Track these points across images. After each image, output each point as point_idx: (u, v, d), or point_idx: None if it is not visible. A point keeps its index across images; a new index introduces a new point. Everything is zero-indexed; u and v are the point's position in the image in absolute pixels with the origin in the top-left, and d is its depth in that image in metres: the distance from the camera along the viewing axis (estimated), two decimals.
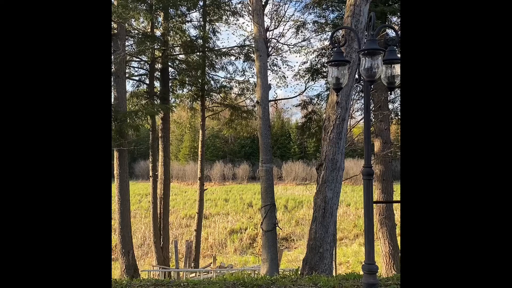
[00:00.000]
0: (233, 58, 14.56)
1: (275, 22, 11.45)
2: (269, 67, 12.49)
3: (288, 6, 14.56)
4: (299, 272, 5.72)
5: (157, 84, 14.31)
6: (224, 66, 14.75)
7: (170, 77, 14.36)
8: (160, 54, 13.79)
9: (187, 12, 13.70)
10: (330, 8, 12.57)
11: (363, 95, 2.75)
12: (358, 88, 10.19)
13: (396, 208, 11.38)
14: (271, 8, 11.75)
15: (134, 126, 11.28)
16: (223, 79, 15.03)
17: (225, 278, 4.67)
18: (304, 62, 13.38)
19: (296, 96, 14.08)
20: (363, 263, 2.55)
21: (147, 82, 14.36)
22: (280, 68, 15.30)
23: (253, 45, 10.34)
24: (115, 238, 11.91)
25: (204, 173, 16.25)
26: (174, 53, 14.58)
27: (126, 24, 11.69)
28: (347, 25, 5.39)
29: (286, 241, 21.47)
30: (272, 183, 8.73)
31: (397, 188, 10.27)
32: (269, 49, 10.65)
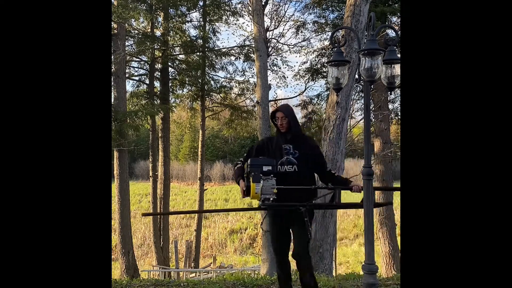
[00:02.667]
0: (233, 58, 14.56)
1: (275, 22, 11.46)
2: (269, 67, 12.47)
3: (288, 6, 14.58)
4: None
5: (157, 84, 14.31)
6: (224, 66, 14.75)
7: (170, 77, 14.35)
8: (160, 54, 13.80)
9: (187, 12, 13.70)
10: (330, 8, 12.56)
11: (363, 95, 2.74)
12: (358, 88, 10.19)
13: (396, 208, 11.39)
14: (271, 8, 11.76)
15: (134, 126, 11.28)
16: (223, 79, 15.04)
17: (225, 278, 4.67)
18: (304, 62, 13.38)
19: (296, 96, 14.07)
20: (363, 263, 2.55)
21: (147, 82, 14.36)
22: (280, 68, 15.26)
23: (253, 45, 10.34)
24: (115, 238, 11.91)
25: (204, 173, 16.25)
26: (174, 53, 14.57)
27: (126, 24, 11.68)
28: (347, 25, 5.39)
29: None
30: None
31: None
32: (269, 49, 10.66)
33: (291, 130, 2.93)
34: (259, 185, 2.67)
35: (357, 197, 2.90)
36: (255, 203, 2.89)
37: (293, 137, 2.94)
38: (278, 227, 2.98)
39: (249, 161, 2.82)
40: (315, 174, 3.06)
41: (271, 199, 2.68)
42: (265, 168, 2.72)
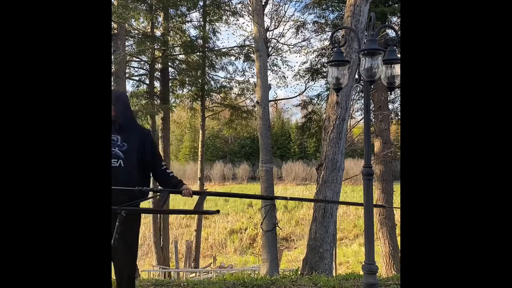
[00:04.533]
0: (233, 58, 14.56)
1: (275, 22, 11.48)
2: (269, 67, 12.47)
3: (288, 6, 14.54)
4: (299, 272, 5.72)
5: (157, 84, 14.31)
6: (224, 66, 14.76)
7: (170, 77, 14.35)
8: (160, 54, 13.79)
9: (187, 12, 13.70)
10: (330, 8, 12.58)
11: (363, 95, 2.75)
12: (358, 88, 10.20)
13: (396, 208, 11.39)
14: (271, 8, 11.78)
15: None
16: (223, 79, 15.04)
17: (225, 278, 4.68)
18: (304, 62, 13.41)
19: (296, 96, 14.10)
20: (363, 263, 2.56)
21: (147, 82, 14.36)
22: (280, 68, 15.27)
23: (253, 45, 10.34)
24: None
25: (204, 173, 16.26)
26: (174, 53, 14.57)
27: (126, 24, 11.68)
28: (347, 25, 5.39)
29: (286, 241, 21.46)
30: (272, 183, 8.74)
31: (397, 188, 10.28)
32: (269, 49, 10.67)
33: (119, 119, 2.58)
34: None
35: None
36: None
37: (122, 127, 2.59)
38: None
39: None
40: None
41: None
42: None
